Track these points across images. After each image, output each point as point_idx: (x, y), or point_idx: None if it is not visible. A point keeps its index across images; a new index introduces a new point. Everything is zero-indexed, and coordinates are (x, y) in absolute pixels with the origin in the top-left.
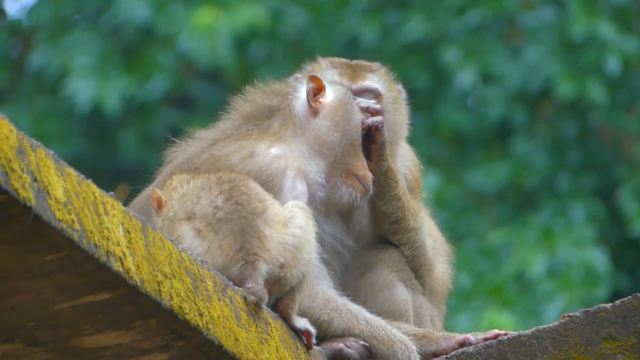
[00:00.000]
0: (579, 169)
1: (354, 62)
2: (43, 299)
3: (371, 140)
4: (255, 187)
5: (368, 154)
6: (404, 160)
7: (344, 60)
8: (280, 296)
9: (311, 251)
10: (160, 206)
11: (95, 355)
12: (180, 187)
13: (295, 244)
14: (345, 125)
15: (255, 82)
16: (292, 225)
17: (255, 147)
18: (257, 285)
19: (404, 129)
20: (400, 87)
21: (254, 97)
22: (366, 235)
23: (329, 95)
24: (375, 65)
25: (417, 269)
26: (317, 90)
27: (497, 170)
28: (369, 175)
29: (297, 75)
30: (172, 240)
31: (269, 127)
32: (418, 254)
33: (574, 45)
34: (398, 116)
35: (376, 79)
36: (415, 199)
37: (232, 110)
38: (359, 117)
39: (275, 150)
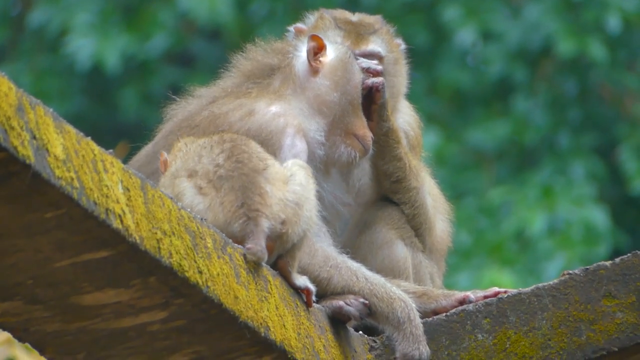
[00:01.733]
0: (579, 127)
1: (356, 17)
2: (42, 256)
3: (372, 101)
4: (256, 147)
5: (369, 114)
6: (405, 117)
7: (347, 16)
8: (281, 253)
9: (312, 209)
10: (166, 169)
11: (95, 312)
12: (185, 147)
13: (296, 200)
14: (345, 85)
15: (256, 40)
16: (292, 182)
17: (255, 104)
18: (257, 245)
19: (403, 87)
20: (399, 41)
21: (255, 55)
22: (366, 193)
23: (330, 55)
24: (378, 22)
25: (417, 228)
26: (317, 49)
27: (497, 128)
28: (368, 135)
29: (299, 25)
30: (171, 198)
31: (269, 86)
32: (419, 212)
33: (574, 3)
34: (398, 76)
35: (379, 41)
36: (415, 157)
37: (233, 68)
38: (359, 77)
39: (275, 108)
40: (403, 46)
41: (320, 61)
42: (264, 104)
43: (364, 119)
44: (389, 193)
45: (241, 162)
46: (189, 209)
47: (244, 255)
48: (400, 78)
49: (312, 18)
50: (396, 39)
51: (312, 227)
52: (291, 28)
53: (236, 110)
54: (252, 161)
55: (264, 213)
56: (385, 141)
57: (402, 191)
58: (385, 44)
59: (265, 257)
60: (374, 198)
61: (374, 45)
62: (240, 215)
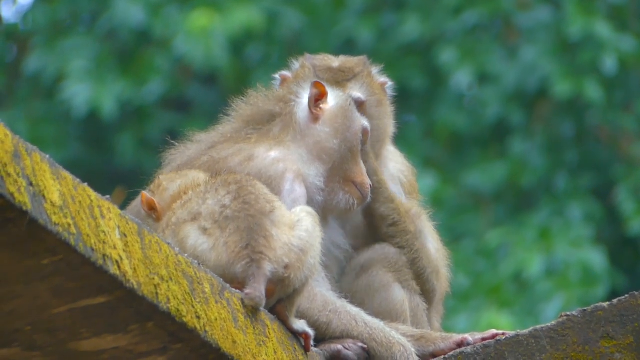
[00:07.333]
0: (576, 169)
1: (337, 62)
2: (40, 303)
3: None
4: (263, 188)
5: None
6: (395, 164)
7: (327, 62)
8: (281, 297)
9: (316, 256)
10: (151, 208)
11: (93, 358)
12: (172, 185)
13: (301, 246)
14: (344, 132)
15: (256, 85)
16: (299, 228)
17: (255, 150)
18: (255, 291)
19: (390, 129)
20: (384, 79)
21: (256, 101)
22: (360, 239)
23: (331, 102)
24: (359, 65)
25: (420, 273)
26: (319, 96)
27: (494, 170)
28: (367, 182)
29: (284, 73)
30: (168, 243)
31: (269, 132)
32: (419, 257)
33: (570, 44)
34: (382, 119)
35: (358, 86)
36: (412, 202)
37: (233, 114)
38: (359, 124)
39: (274, 154)
40: (389, 84)
41: (320, 108)
42: (264, 150)
43: (363, 167)
44: (387, 239)
45: (248, 204)
46: (191, 250)
47: (242, 300)
48: (385, 120)
49: (296, 65)
50: (381, 78)
51: (315, 275)
52: (277, 75)
53: (235, 155)
54: (259, 203)
55: (268, 256)
56: (377, 182)
57: (400, 235)
58: (366, 87)
59: (263, 302)
60: (370, 242)
61: (352, 91)
62: (244, 256)
